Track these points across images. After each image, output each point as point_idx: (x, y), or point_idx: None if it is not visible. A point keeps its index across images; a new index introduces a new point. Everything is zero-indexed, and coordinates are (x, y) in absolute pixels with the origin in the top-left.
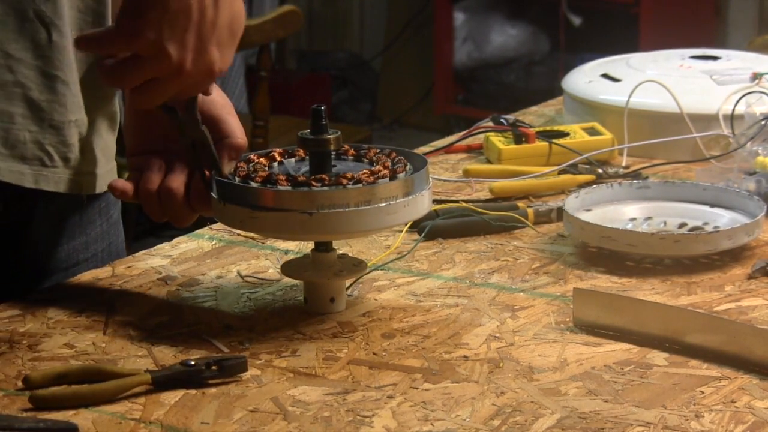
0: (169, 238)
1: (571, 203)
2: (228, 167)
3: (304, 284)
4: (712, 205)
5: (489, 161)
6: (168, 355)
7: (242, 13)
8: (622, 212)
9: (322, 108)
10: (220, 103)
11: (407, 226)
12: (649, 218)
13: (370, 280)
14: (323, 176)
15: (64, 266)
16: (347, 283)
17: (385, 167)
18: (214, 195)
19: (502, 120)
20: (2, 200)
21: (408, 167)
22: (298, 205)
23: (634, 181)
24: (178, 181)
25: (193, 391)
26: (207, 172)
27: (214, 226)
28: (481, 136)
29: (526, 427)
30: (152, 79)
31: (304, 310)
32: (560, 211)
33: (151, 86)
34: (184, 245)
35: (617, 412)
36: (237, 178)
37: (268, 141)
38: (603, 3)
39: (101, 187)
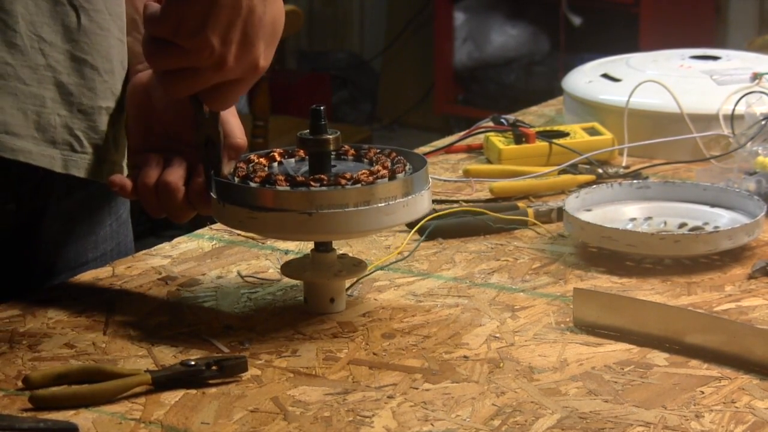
0: (170, 238)
1: (571, 203)
2: (228, 167)
3: (304, 284)
4: (712, 205)
5: (489, 161)
6: (168, 355)
7: (283, 12)
8: (622, 212)
9: (321, 108)
10: None
11: (414, 230)
12: (649, 218)
13: (370, 280)
14: (322, 176)
15: (72, 265)
16: (347, 283)
17: (384, 167)
18: (213, 195)
19: (502, 120)
20: (14, 199)
21: (407, 167)
22: (297, 206)
23: (634, 181)
24: (175, 176)
25: (193, 391)
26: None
27: (214, 226)
28: (481, 136)
29: (526, 427)
30: (190, 67)
31: (304, 310)
32: (560, 211)
33: (187, 74)
34: (185, 245)
35: (617, 412)
36: (236, 179)
37: (268, 141)
38: (603, 3)
39: None
